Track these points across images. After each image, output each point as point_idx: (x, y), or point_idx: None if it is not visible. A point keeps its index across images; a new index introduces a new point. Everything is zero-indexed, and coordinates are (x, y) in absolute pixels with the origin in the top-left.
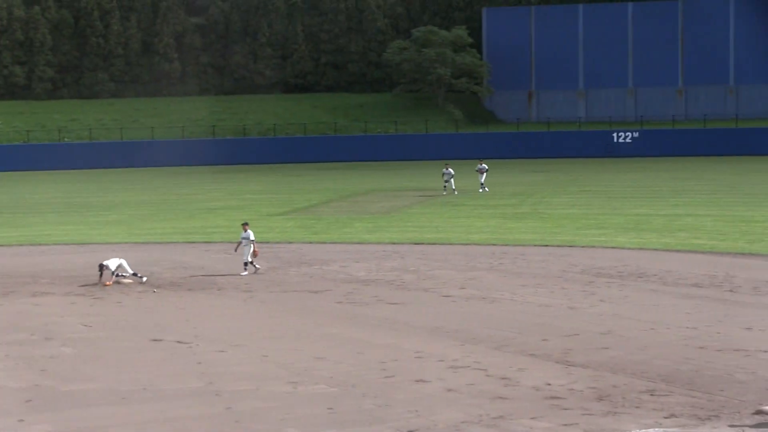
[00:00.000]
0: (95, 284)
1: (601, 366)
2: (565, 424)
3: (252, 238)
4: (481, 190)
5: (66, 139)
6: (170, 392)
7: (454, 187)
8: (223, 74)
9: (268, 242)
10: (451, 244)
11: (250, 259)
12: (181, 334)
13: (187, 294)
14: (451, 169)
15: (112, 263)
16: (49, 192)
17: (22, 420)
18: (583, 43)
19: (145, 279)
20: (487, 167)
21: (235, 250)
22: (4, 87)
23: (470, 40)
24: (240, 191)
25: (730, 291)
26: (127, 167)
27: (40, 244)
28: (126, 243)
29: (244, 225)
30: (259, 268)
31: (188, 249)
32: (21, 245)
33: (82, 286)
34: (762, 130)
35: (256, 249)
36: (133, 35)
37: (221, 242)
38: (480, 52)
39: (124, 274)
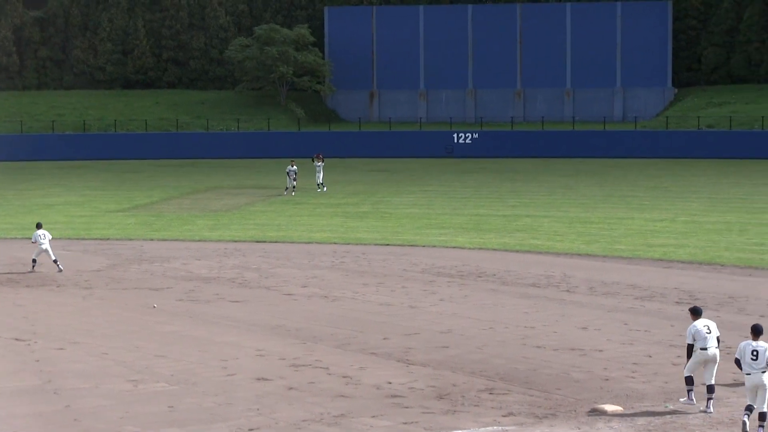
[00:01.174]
0: None
1: (440, 365)
2: (406, 423)
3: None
4: (319, 190)
5: None
6: (7, 390)
7: (294, 186)
8: (63, 69)
9: (107, 239)
10: (293, 242)
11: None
12: (19, 331)
13: (24, 290)
14: (295, 167)
15: None
16: None
17: None
18: (424, 44)
19: None
20: (322, 163)
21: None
22: None
23: (313, 38)
24: (80, 187)
25: (567, 291)
26: None
27: None
28: None
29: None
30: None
31: (26, 245)
32: None
33: None
34: (597, 133)
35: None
36: None
37: (60, 238)
38: (322, 51)
39: None
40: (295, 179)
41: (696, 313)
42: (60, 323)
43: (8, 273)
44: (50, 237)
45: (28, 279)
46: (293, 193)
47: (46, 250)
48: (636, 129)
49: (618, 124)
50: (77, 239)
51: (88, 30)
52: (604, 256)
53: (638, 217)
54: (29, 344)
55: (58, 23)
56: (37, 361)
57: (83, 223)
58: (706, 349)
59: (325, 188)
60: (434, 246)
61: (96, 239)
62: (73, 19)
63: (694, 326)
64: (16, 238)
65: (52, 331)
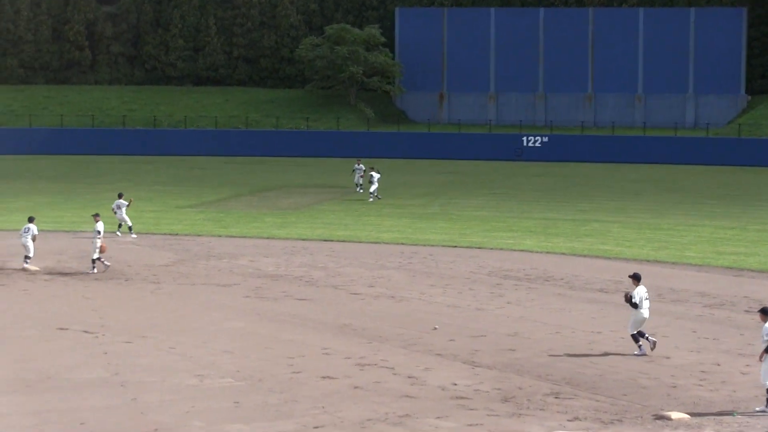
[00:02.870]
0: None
1: (507, 367)
2: (470, 425)
3: (101, 230)
4: (371, 199)
5: None
6: (75, 382)
7: (361, 184)
8: (134, 64)
9: (176, 234)
10: (360, 242)
11: (97, 256)
12: (88, 324)
13: (94, 283)
14: (362, 165)
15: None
16: None
17: None
18: (495, 47)
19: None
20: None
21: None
22: None
23: (383, 39)
24: (149, 182)
25: None
26: (35, 154)
27: None
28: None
29: (95, 216)
30: (109, 266)
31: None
32: None
33: None
34: (668, 139)
35: (103, 244)
36: (43, 21)
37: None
38: (393, 51)
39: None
40: (362, 176)
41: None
42: (128, 317)
43: (77, 266)
44: (35, 232)
45: (98, 271)
46: (359, 190)
47: (23, 245)
48: (708, 136)
49: (689, 130)
50: (146, 234)
51: (160, 26)
52: (674, 263)
53: (708, 225)
54: (97, 337)
55: (130, 19)
56: (105, 353)
57: (152, 218)
58: None
59: (379, 197)
60: (502, 249)
61: (164, 234)
62: (145, 15)
63: None
64: (85, 231)
65: (120, 324)
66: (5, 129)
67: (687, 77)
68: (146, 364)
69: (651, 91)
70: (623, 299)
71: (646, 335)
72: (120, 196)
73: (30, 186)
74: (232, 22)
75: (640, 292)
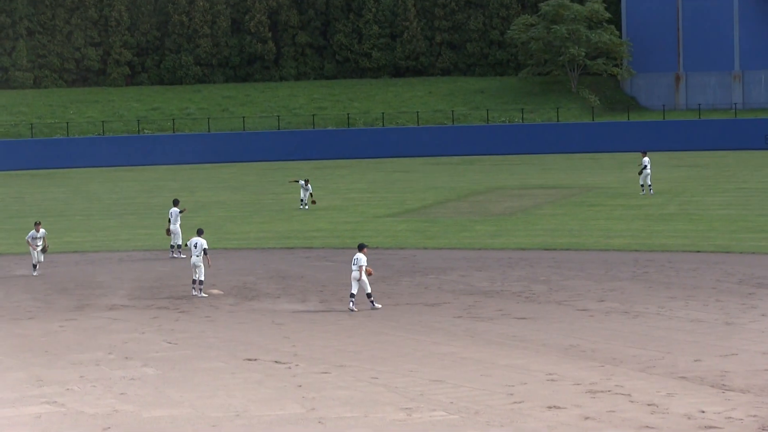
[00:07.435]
0: (182, 297)
1: (763, 391)
2: None
3: (205, 246)
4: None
5: (146, 131)
6: (267, 419)
7: (649, 183)
8: (324, 56)
9: (376, 248)
10: (587, 249)
11: (202, 278)
12: (279, 353)
13: (285, 306)
14: (647, 158)
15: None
16: (127, 191)
17: None
18: (740, 18)
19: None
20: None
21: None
22: (77, 72)
23: (608, 15)
24: (343, 189)
25: None
26: (215, 162)
27: (117, 251)
28: (216, 249)
29: (199, 231)
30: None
31: (286, 255)
32: (97, 251)
33: (167, 298)
34: None
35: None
36: (220, 12)
37: (322, 248)
38: (619, 28)
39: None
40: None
41: None
42: (324, 344)
43: (266, 287)
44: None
45: (289, 294)
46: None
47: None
48: None
49: None
50: (341, 249)
51: (352, 12)
52: None
53: None
54: (290, 368)
55: (317, 5)
56: (300, 386)
57: (348, 230)
58: None
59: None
60: (753, 253)
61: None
62: None
63: None
64: (274, 248)
65: (316, 353)
66: (182, 135)
67: None
68: (346, 397)
69: None
70: None
71: None
72: (175, 203)
73: (210, 198)
74: (433, 2)
75: None
